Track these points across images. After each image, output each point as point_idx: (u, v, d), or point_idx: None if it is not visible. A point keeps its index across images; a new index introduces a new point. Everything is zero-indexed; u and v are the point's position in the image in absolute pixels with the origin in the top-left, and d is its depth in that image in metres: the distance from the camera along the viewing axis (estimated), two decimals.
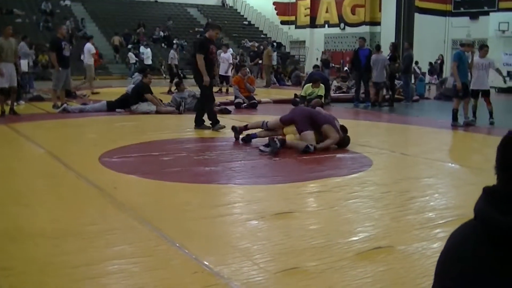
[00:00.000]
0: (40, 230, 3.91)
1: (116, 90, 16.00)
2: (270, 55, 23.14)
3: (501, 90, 21.82)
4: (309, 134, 7.48)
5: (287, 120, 7.88)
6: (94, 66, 18.12)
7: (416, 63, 24.14)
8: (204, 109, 9.59)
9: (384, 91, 15.68)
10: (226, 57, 18.89)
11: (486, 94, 11.36)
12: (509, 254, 1.10)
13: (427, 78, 24.19)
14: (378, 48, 15.83)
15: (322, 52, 29.85)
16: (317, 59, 28.24)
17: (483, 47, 11.57)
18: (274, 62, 28.15)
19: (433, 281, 1.31)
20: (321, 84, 14.25)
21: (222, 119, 9.77)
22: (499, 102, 16.66)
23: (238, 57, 24.48)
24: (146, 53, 25.21)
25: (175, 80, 16.77)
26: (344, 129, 7.83)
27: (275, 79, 24.79)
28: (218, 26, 10.35)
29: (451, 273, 1.22)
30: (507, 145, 1.16)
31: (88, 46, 17.97)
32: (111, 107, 12.18)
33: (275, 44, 32.20)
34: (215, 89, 18.83)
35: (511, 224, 1.09)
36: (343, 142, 7.72)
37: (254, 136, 7.99)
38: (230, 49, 21.45)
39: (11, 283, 3.04)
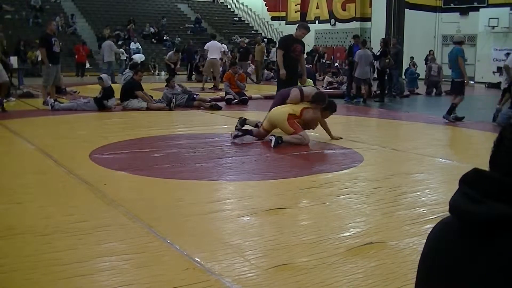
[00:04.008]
0: (30, 227, 3.89)
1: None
2: (263, 51, 23.09)
3: (490, 85, 22.08)
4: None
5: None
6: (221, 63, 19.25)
7: (412, 58, 24.18)
8: None
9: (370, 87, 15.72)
10: None
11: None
12: (485, 244, 1.10)
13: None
14: (364, 43, 15.53)
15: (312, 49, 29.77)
16: (307, 54, 28.20)
17: None
18: None
19: (415, 277, 1.32)
20: (308, 79, 14.28)
21: (213, 115, 9.75)
22: (489, 97, 16.77)
23: (230, 54, 24.40)
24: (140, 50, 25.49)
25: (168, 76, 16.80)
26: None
27: (272, 74, 24.55)
28: (305, 26, 9.94)
29: (432, 269, 1.23)
30: None
31: (217, 44, 19.07)
32: (99, 104, 11.97)
33: (265, 40, 32.12)
34: (207, 85, 18.92)
35: (483, 213, 1.09)
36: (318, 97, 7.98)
37: (250, 132, 8.10)
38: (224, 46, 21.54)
39: (1, 281, 3.02)
